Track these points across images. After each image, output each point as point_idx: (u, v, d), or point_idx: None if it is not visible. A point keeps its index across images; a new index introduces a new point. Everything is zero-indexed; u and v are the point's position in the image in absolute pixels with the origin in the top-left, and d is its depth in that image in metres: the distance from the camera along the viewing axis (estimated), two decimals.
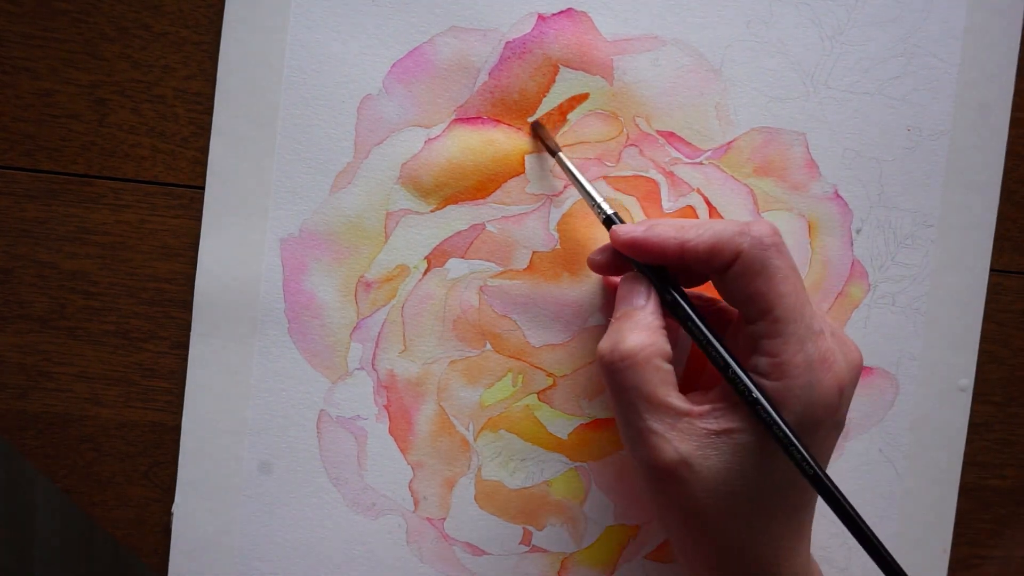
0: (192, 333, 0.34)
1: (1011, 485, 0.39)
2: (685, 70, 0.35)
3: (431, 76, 0.34)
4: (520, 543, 0.35)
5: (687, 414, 0.29)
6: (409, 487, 0.35)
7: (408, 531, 0.35)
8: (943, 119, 0.37)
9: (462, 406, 0.35)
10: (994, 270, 0.38)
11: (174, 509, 0.34)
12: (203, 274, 0.34)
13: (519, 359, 0.35)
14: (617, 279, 0.33)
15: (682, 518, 0.29)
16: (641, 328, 0.29)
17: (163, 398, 0.34)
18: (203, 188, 0.34)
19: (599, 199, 0.32)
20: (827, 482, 0.28)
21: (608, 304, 0.35)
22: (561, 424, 0.35)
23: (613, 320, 0.31)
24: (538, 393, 0.35)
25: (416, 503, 0.35)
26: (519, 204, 0.35)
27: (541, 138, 0.34)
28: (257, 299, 0.34)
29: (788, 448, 0.28)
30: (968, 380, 0.38)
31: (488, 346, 0.35)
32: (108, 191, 0.34)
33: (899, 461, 0.37)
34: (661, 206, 0.35)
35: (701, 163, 0.35)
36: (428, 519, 0.35)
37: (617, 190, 0.35)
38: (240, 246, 0.34)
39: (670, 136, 0.35)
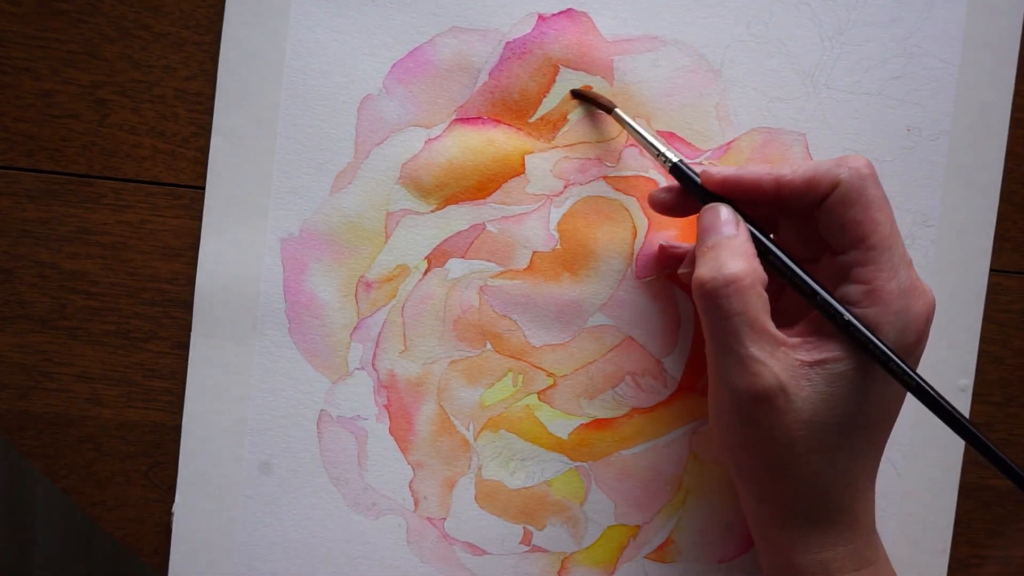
0: (192, 333, 0.34)
1: (1011, 485, 0.39)
2: (685, 70, 0.35)
3: (431, 76, 0.34)
4: (520, 543, 0.35)
5: (783, 343, 0.29)
6: (409, 487, 0.35)
7: (408, 531, 0.35)
8: (943, 119, 0.37)
9: (462, 406, 0.35)
10: (994, 270, 0.38)
11: (174, 509, 0.34)
12: (203, 274, 0.34)
13: (519, 359, 0.35)
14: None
15: (770, 448, 0.29)
16: (740, 255, 0.29)
17: (163, 398, 0.34)
18: (203, 188, 0.34)
19: (663, 147, 0.32)
20: (930, 391, 0.28)
21: (608, 304, 0.35)
22: (561, 424, 0.35)
23: (704, 250, 0.30)
24: (538, 393, 0.35)
25: (416, 503, 0.35)
26: (519, 204, 0.35)
27: (591, 100, 0.34)
28: (257, 299, 0.34)
29: (888, 364, 0.28)
30: (968, 380, 0.38)
31: (488, 346, 0.35)
32: (109, 191, 0.34)
33: (899, 461, 0.37)
34: None
35: (701, 163, 0.35)
36: (428, 519, 0.35)
37: (617, 190, 0.35)
38: (240, 246, 0.34)
39: (670, 136, 0.35)
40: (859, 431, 0.30)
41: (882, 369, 0.29)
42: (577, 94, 0.34)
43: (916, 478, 0.37)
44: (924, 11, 0.36)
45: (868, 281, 0.29)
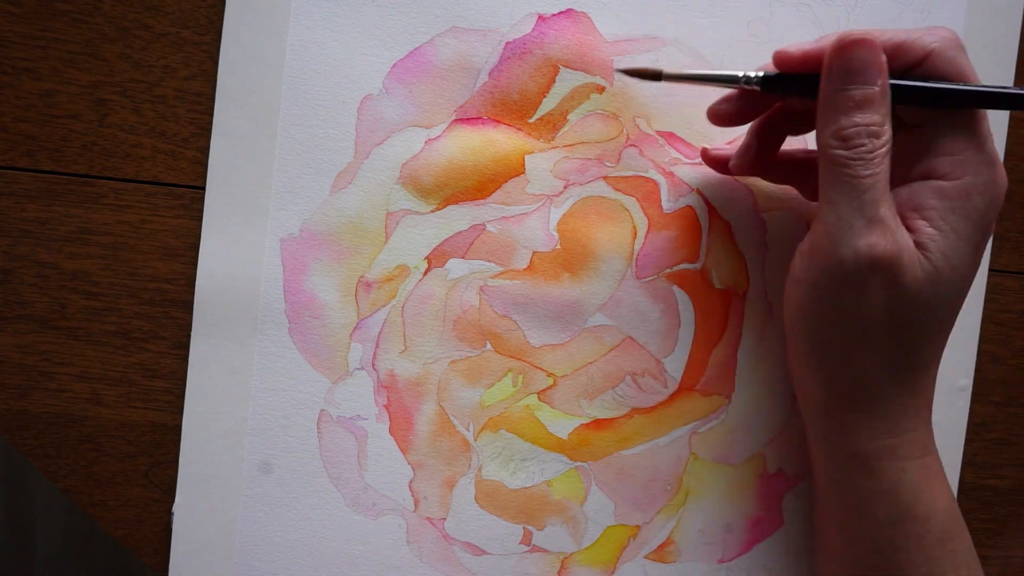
0: (192, 333, 0.34)
1: (1010, 485, 0.39)
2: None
3: (431, 76, 0.34)
4: (520, 543, 0.35)
5: (898, 217, 0.29)
6: (409, 487, 0.35)
7: (408, 531, 0.35)
8: None
9: (462, 406, 0.35)
10: (994, 270, 0.38)
11: (174, 509, 0.34)
12: (203, 274, 0.34)
13: (519, 359, 0.35)
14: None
15: (863, 320, 0.29)
16: (886, 111, 0.29)
17: (163, 398, 0.34)
18: (203, 188, 0.34)
19: (734, 72, 0.31)
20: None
21: (608, 304, 0.35)
22: (561, 424, 0.35)
23: (843, 97, 0.29)
24: (538, 393, 0.35)
25: (416, 503, 0.35)
26: (519, 204, 0.35)
27: (635, 75, 0.33)
28: (257, 299, 0.34)
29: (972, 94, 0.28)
30: (968, 380, 0.38)
31: (488, 346, 0.35)
32: (109, 191, 0.34)
33: None
34: (661, 206, 0.35)
35: (701, 163, 0.35)
36: (428, 519, 0.35)
37: (617, 190, 0.35)
38: (240, 246, 0.34)
39: (670, 136, 0.35)
40: (949, 311, 0.30)
41: (974, 246, 0.29)
42: (623, 72, 0.33)
43: None
44: (924, 11, 0.36)
45: (958, 151, 0.29)
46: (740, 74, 0.31)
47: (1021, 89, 0.29)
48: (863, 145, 0.28)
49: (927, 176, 0.29)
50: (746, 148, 0.33)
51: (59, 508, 0.34)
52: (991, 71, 0.37)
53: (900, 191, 0.30)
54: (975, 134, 0.29)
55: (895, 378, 0.30)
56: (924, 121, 0.30)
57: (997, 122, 0.37)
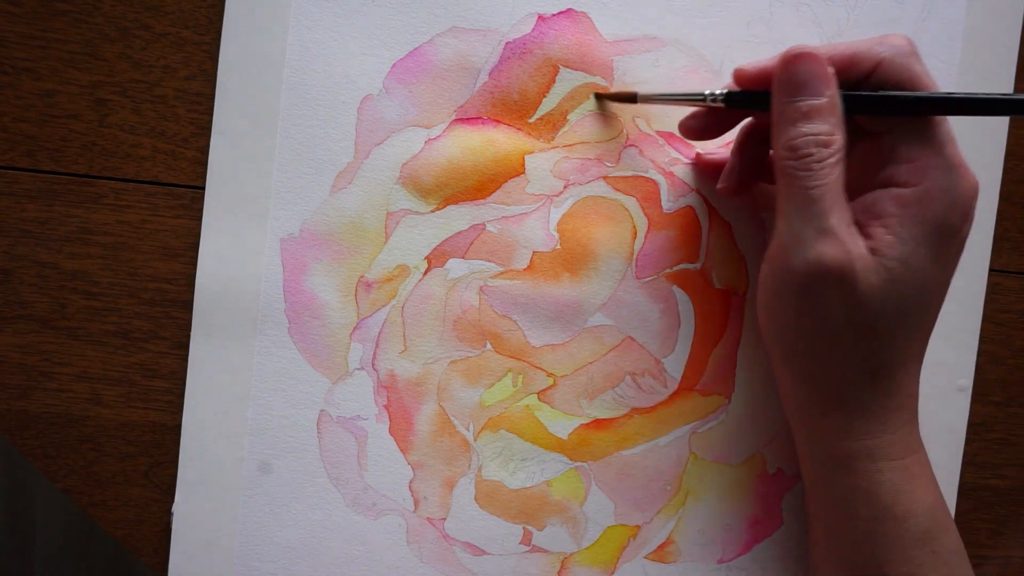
0: (192, 333, 0.34)
1: (1010, 485, 0.39)
2: (685, 70, 0.35)
3: (431, 76, 0.34)
4: (520, 543, 0.35)
5: (854, 224, 0.29)
6: (409, 487, 0.35)
7: (408, 531, 0.35)
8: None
9: (462, 406, 0.35)
10: (994, 270, 0.38)
11: (174, 509, 0.34)
12: (203, 274, 0.34)
13: (519, 359, 0.35)
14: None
15: (827, 328, 0.29)
16: (834, 119, 0.29)
17: (163, 398, 0.34)
18: (203, 188, 0.34)
19: (705, 90, 0.32)
20: (945, 96, 0.28)
21: (608, 304, 0.35)
22: (561, 424, 0.35)
23: (791, 109, 0.29)
24: (538, 393, 0.35)
25: (416, 503, 0.35)
26: (519, 204, 0.35)
27: (612, 99, 0.34)
28: (257, 299, 0.34)
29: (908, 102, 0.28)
30: (967, 380, 0.38)
31: (488, 346, 0.35)
32: (109, 191, 0.34)
33: None
34: (661, 206, 0.35)
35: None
36: (428, 519, 0.35)
37: (617, 190, 0.35)
38: (240, 246, 0.34)
39: (670, 136, 0.35)
40: (915, 315, 0.30)
41: (936, 251, 0.29)
42: (600, 97, 0.35)
43: None
44: (924, 11, 0.36)
45: (914, 158, 0.29)
46: (706, 92, 0.32)
47: (969, 94, 0.29)
48: (811, 155, 0.28)
49: (887, 184, 0.29)
50: (731, 169, 0.34)
51: (59, 508, 0.34)
52: (991, 71, 0.37)
53: (862, 199, 0.30)
54: (932, 140, 0.29)
55: (867, 380, 0.30)
56: (883, 129, 0.30)
57: (997, 122, 0.37)
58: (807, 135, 0.28)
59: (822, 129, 0.28)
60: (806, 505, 0.34)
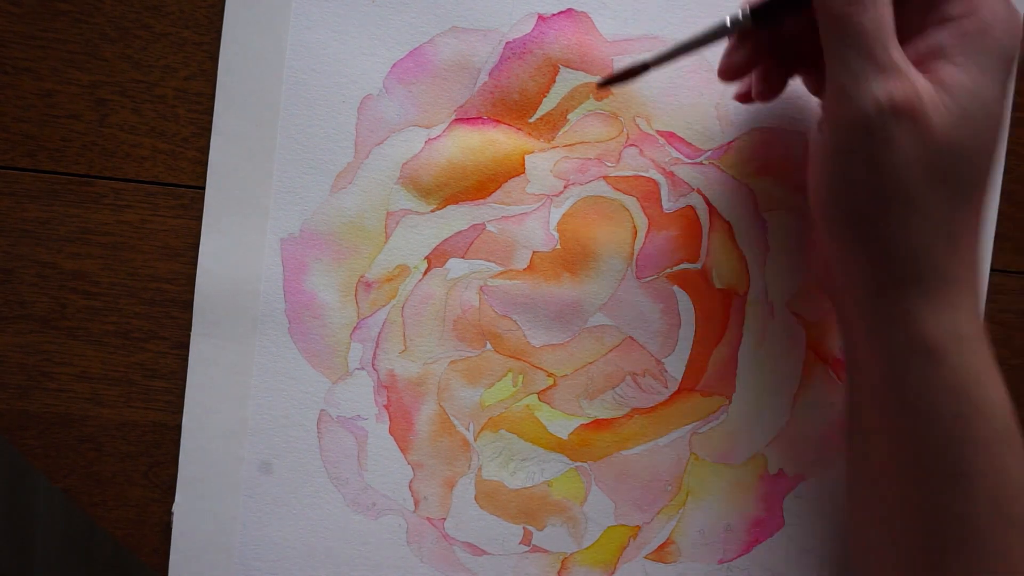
0: (192, 333, 0.34)
1: None
2: (685, 70, 0.35)
3: (431, 76, 0.34)
4: (520, 543, 0.35)
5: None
6: (409, 487, 0.35)
7: (408, 531, 0.35)
8: None
9: (462, 406, 0.35)
10: (994, 270, 0.38)
11: (174, 509, 0.34)
12: (203, 274, 0.34)
13: (519, 359, 0.35)
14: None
15: (900, 176, 0.28)
16: None
17: (163, 398, 0.34)
18: (203, 188, 0.34)
19: (720, 22, 0.30)
20: None
21: (608, 304, 0.35)
22: (561, 424, 0.35)
23: None
24: (538, 393, 0.35)
25: (416, 503, 0.35)
26: (519, 204, 0.35)
27: (618, 79, 0.33)
28: (257, 299, 0.34)
29: None
30: None
31: (488, 346, 0.35)
32: (109, 191, 0.34)
33: None
34: (661, 206, 0.35)
35: (701, 163, 0.35)
36: (428, 519, 0.35)
37: (617, 190, 0.35)
38: (240, 246, 0.34)
39: (670, 136, 0.35)
40: (985, 156, 0.29)
41: (998, 80, 0.28)
42: (606, 83, 0.33)
43: None
44: None
45: None
46: (727, 20, 0.30)
47: None
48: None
49: (941, 21, 0.29)
50: (737, 55, 0.32)
51: (59, 508, 0.34)
52: None
53: (916, 41, 0.29)
54: None
55: (944, 245, 0.28)
56: None
57: None
58: None
59: None
60: (852, 415, 0.32)
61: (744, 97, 0.34)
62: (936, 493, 0.29)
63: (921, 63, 0.28)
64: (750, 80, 0.33)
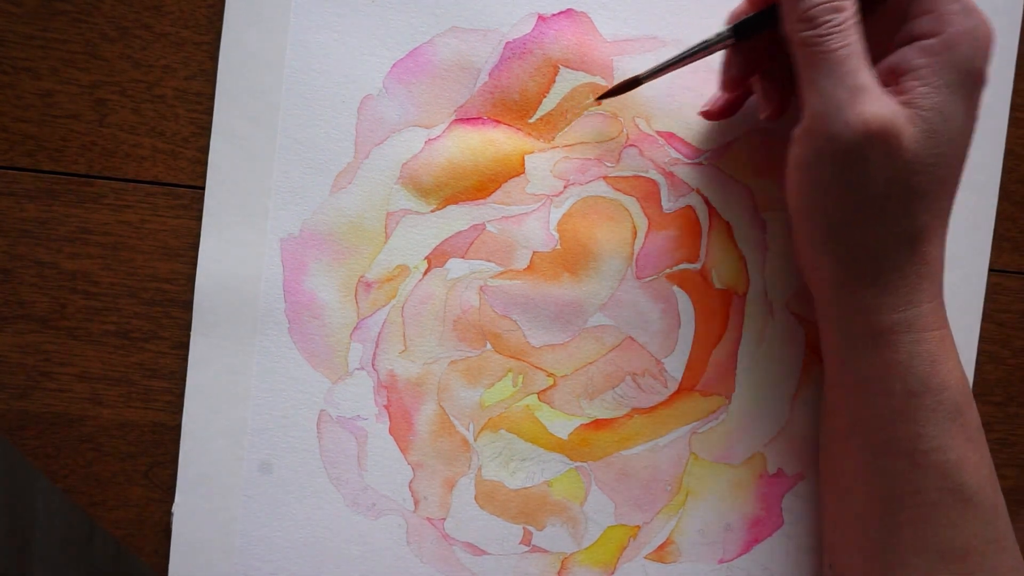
0: (192, 333, 0.34)
1: (1010, 485, 0.39)
2: (685, 70, 0.35)
3: (431, 76, 0.34)
4: (520, 543, 0.35)
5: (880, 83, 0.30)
6: (409, 487, 0.35)
7: (408, 531, 0.35)
8: None
9: (462, 406, 0.35)
10: (994, 270, 0.38)
11: (174, 509, 0.34)
12: (203, 274, 0.34)
13: (519, 359, 0.35)
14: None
15: (870, 191, 0.29)
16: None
17: (163, 398, 0.34)
18: (203, 188, 0.34)
19: (705, 38, 0.32)
20: None
21: (608, 304, 0.35)
22: (561, 424, 0.35)
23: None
24: (538, 393, 0.35)
25: (416, 503, 0.35)
26: (519, 204, 0.35)
27: (615, 93, 0.34)
28: (257, 299, 0.34)
29: None
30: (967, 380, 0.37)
31: (488, 346, 0.35)
32: (109, 191, 0.34)
33: None
34: (661, 206, 0.35)
35: (701, 163, 0.35)
36: (428, 519, 0.35)
37: (617, 190, 0.35)
38: (240, 246, 0.34)
39: (670, 136, 0.35)
40: (950, 169, 0.30)
41: (965, 97, 0.29)
42: (604, 96, 0.34)
43: None
44: None
45: (934, 8, 0.29)
46: (712, 35, 0.32)
47: None
48: (829, 20, 0.29)
49: (910, 39, 0.30)
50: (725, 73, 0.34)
51: (59, 508, 0.34)
52: (991, 71, 0.37)
53: (886, 60, 0.30)
54: None
55: (905, 248, 0.30)
56: None
57: (997, 122, 0.37)
58: (821, 3, 0.29)
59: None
60: (825, 397, 0.34)
61: (712, 114, 0.35)
62: (890, 469, 0.31)
63: (891, 82, 0.30)
64: (716, 98, 0.35)
